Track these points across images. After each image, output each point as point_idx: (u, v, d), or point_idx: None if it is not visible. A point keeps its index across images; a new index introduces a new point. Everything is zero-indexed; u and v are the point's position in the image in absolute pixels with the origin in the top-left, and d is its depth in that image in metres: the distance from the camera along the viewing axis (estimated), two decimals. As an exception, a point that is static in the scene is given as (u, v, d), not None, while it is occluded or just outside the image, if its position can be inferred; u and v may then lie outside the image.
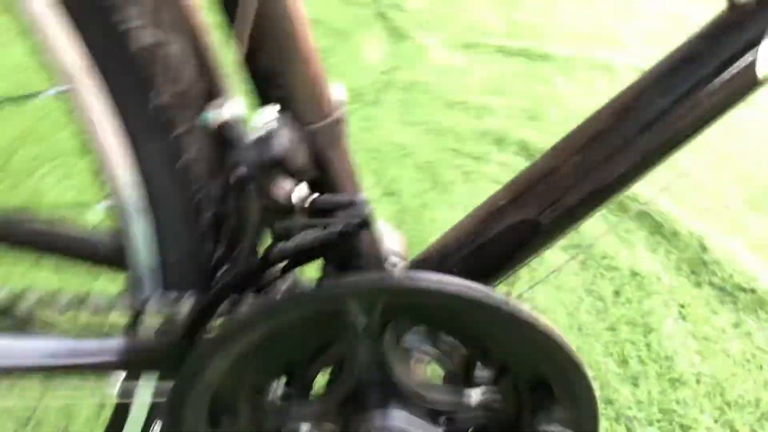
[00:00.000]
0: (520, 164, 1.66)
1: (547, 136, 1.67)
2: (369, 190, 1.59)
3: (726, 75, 0.46)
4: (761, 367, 1.18)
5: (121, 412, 0.68)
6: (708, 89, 0.46)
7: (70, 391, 1.03)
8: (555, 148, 0.55)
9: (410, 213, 1.54)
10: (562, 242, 1.43)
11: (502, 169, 1.66)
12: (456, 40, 2.20)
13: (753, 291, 1.31)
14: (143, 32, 0.45)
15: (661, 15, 2.28)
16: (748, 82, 0.46)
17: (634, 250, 1.43)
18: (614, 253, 1.42)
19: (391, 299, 0.49)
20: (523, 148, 1.69)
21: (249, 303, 0.52)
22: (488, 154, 1.72)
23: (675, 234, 1.45)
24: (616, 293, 1.34)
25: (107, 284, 1.36)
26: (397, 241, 0.65)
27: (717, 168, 1.64)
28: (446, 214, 1.54)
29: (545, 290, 1.35)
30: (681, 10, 2.28)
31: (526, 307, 0.48)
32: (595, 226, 1.45)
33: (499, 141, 1.75)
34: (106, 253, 0.61)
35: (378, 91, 1.96)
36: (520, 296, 1.32)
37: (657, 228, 1.47)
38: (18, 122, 1.82)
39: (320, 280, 0.58)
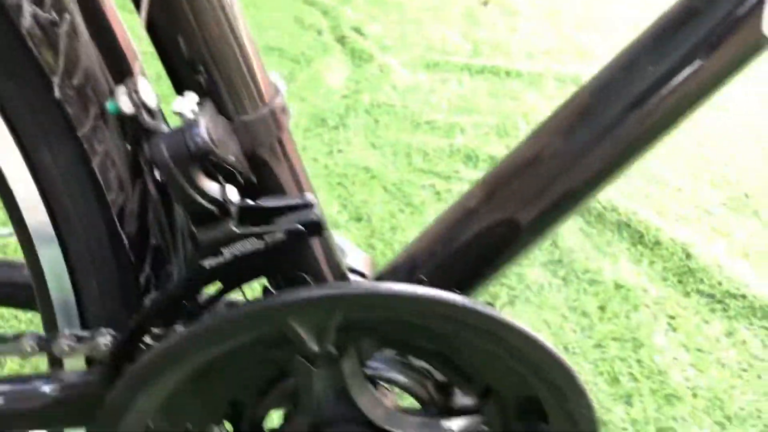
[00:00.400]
0: (493, 181, 1.60)
1: (518, 151, 1.61)
2: (336, 215, 1.51)
3: (728, 33, 0.39)
4: (760, 377, 1.13)
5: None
6: (709, 50, 0.39)
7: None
8: (532, 136, 0.48)
9: (380, 237, 1.46)
10: (541, 258, 1.36)
11: (474, 187, 1.59)
12: (419, 61, 2.15)
13: (743, 297, 1.26)
14: (29, 11, 0.37)
15: (624, 25, 2.27)
16: (753, 42, 0.39)
17: (617, 262, 1.37)
18: (596, 266, 1.36)
19: (348, 315, 0.41)
20: (495, 165, 1.63)
21: (173, 333, 0.43)
22: (459, 172, 1.66)
23: (657, 243, 1.39)
24: (602, 308, 1.28)
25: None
26: (360, 259, 0.55)
27: (693, 173, 1.60)
28: (418, 236, 1.47)
29: (527, 310, 1.27)
30: (644, 20, 2.26)
31: (512, 318, 0.40)
32: (574, 238, 1.38)
33: (470, 159, 1.70)
34: (15, 291, 0.52)
35: (342, 115, 1.89)
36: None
37: (638, 238, 1.41)
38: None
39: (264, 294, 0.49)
